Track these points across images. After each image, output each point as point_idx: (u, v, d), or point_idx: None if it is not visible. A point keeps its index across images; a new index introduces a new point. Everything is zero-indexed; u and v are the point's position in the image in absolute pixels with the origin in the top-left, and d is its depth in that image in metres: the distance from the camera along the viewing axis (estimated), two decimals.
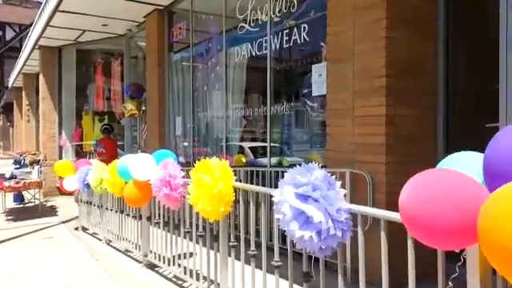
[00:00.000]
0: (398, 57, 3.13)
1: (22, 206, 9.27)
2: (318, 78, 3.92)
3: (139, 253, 4.39)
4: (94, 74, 10.45)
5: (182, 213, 3.43)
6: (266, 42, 4.74)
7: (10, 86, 19.39)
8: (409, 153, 3.15)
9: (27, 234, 6.85)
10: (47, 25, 8.21)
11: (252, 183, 4.58)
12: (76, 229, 6.87)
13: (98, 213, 5.86)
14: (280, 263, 2.21)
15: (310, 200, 1.72)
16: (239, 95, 5.51)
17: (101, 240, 5.61)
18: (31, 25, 10.67)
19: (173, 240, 3.61)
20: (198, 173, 2.62)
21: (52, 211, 8.78)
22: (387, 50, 3.06)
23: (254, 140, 5.69)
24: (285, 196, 1.77)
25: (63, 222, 7.69)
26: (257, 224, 2.59)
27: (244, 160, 5.97)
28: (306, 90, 4.28)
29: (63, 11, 7.38)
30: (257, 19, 4.90)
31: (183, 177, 3.26)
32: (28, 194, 8.94)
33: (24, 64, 13.08)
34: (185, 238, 3.37)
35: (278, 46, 4.57)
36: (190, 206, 3.28)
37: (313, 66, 4.03)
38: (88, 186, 5.78)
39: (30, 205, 9.30)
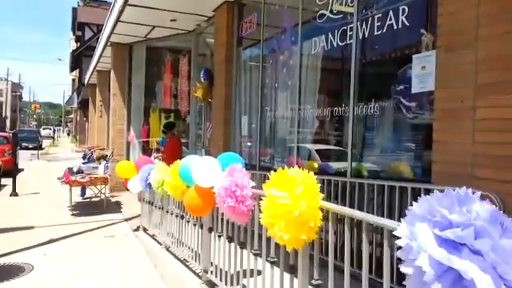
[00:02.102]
0: None
1: (88, 200, 9.38)
2: (421, 71, 3.17)
3: (199, 266, 3.93)
4: (162, 71, 10.36)
5: (249, 229, 2.87)
6: (351, 31, 4.05)
7: (85, 82, 20.36)
8: None
9: (91, 230, 6.76)
10: (118, 20, 8.14)
11: (329, 197, 3.93)
12: (137, 228, 6.65)
13: (158, 214, 5.53)
14: None
15: (466, 251, 1.06)
16: (315, 93, 4.86)
17: (160, 244, 5.26)
18: None
19: (237, 257, 3.06)
20: (272, 187, 2.04)
21: (116, 207, 8.75)
22: None
23: (326, 143, 5.00)
24: (420, 239, 1.13)
25: (126, 220, 7.56)
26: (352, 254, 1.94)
27: (316, 165, 5.34)
28: (401, 87, 3.54)
29: (133, 5, 7.22)
30: (340, 5, 4.23)
31: (253, 187, 2.70)
32: (95, 189, 9.01)
33: (98, 61, 13.47)
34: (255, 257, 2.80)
35: (366, 34, 3.85)
36: (260, 224, 2.72)
37: (414, 57, 3.28)
38: (150, 185, 5.47)
39: (95, 199, 9.38)
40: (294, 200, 1.90)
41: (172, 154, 8.03)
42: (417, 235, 1.15)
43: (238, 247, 2.91)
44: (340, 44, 4.23)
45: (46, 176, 13.66)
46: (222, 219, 3.26)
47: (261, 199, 2.50)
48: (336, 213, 1.97)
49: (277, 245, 2.38)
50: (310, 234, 1.93)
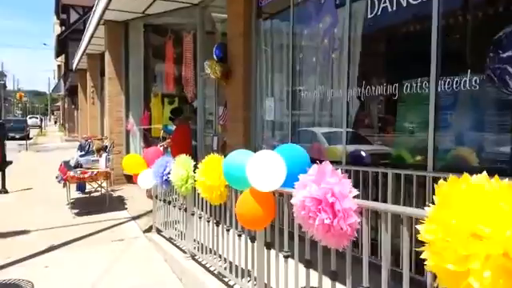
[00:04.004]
0: None
1: (87, 195, 8.52)
2: None
3: (242, 283, 3.14)
4: (163, 51, 9.35)
5: (348, 256, 2.05)
6: None
7: (74, 67, 19.17)
8: None
9: (96, 232, 5.93)
10: None
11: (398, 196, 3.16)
12: (148, 229, 5.85)
13: (180, 215, 4.73)
14: None
15: None
16: (372, 66, 4.03)
17: (183, 251, 4.47)
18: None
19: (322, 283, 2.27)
20: (450, 206, 1.23)
21: (120, 203, 7.91)
22: None
23: (388, 129, 4.14)
24: None
25: (133, 219, 6.73)
26: None
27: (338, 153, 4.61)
28: (508, 53, 2.73)
29: None
30: None
31: (356, 196, 1.90)
32: (94, 183, 8.14)
33: (89, 42, 12.39)
34: None
35: None
36: (373, 245, 1.94)
37: None
38: (167, 182, 4.66)
39: (95, 194, 8.53)
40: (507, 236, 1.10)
41: (182, 142, 7.21)
42: None
43: (329, 279, 2.10)
44: (412, 2, 3.38)
45: (38, 169, 12.71)
46: (291, 234, 2.45)
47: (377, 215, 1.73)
48: None
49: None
50: None
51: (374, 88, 3.82)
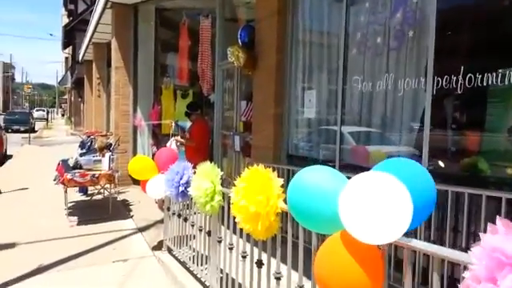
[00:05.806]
0: None
1: (89, 198, 7.52)
2: None
3: None
4: (176, 38, 8.29)
5: None
6: None
7: (80, 58, 18.22)
8: None
9: (94, 249, 4.92)
10: None
11: None
12: (158, 246, 4.86)
13: (200, 236, 3.71)
14: None
15: None
16: (469, 45, 2.96)
17: (205, 286, 3.44)
18: None
19: None
20: None
21: (124, 209, 6.90)
22: None
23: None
24: None
25: (140, 230, 5.71)
26: None
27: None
28: None
29: None
30: None
31: None
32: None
33: (94, 30, 11.39)
34: None
35: None
36: None
37: None
38: (185, 194, 3.65)
39: (98, 197, 7.51)
40: None
41: (199, 140, 6.23)
42: None
43: None
44: None
45: (38, 164, 11.75)
46: None
47: None
48: None
49: None
50: None
51: (479, 76, 2.75)
